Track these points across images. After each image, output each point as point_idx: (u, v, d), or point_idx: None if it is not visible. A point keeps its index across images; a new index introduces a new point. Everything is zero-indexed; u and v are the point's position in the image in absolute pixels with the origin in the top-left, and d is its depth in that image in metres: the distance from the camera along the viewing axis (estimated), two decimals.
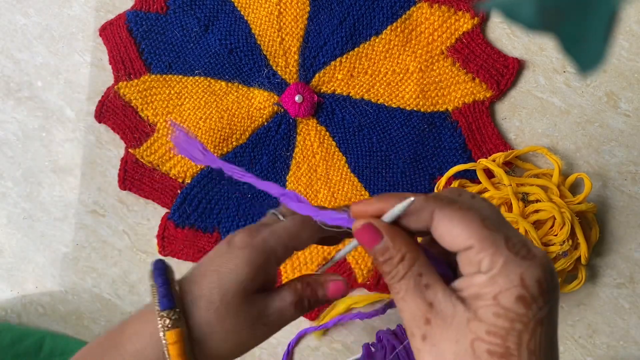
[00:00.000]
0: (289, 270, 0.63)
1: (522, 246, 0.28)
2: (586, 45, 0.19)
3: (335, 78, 0.65)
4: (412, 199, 0.30)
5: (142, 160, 0.66)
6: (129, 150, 0.66)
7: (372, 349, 0.59)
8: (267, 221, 0.38)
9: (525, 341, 0.26)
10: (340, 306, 0.63)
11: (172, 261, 0.65)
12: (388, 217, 0.31)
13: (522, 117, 0.64)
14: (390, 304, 0.53)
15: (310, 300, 0.37)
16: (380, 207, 0.31)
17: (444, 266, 0.30)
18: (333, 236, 0.38)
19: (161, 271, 0.36)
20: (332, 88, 0.65)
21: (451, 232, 0.29)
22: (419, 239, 0.32)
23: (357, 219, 0.32)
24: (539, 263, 0.27)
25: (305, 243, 0.37)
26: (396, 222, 0.31)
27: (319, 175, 0.65)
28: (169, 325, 0.33)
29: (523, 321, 0.26)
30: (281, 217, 0.38)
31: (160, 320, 0.33)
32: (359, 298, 0.63)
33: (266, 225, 0.37)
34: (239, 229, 0.37)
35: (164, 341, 0.33)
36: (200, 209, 0.65)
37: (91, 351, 0.36)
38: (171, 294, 0.34)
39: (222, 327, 0.34)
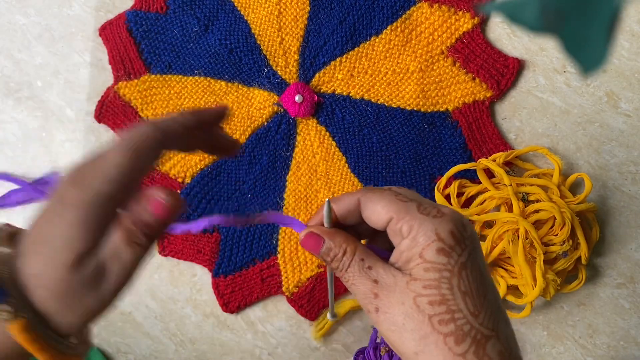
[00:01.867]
0: (289, 271, 0.63)
1: (432, 208, 0.32)
2: (588, 46, 0.19)
3: (335, 78, 0.65)
4: (327, 199, 0.34)
5: None
6: None
7: None
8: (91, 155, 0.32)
9: (456, 285, 0.30)
10: (340, 310, 0.63)
11: (172, 261, 0.65)
12: (325, 221, 0.35)
13: (522, 117, 0.64)
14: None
15: (145, 231, 0.31)
16: (321, 215, 0.35)
17: (382, 250, 0.34)
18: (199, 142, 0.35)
19: None
20: (332, 88, 0.65)
21: (374, 211, 0.33)
22: (363, 241, 0.36)
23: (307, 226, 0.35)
24: (449, 219, 0.31)
25: (143, 173, 0.32)
26: (338, 224, 0.35)
27: (319, 175, 0.65)
28: (9, 318, 0.30)
29: (448, 269, 0.30)
30: None
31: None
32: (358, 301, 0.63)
33: (92, 163, 0.31)
34: (66, 174, 0.31)
35: (10, 334, 0.30)
36: (200, 209, 0.65)
37: None
38: (1, 283, 0.30)
39: (63, 302, 0.31)
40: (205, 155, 0.65)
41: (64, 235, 0.30)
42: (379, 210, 0.33)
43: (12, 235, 0.35)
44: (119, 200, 0.31)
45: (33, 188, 0.34)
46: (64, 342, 0.32)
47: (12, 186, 0.36)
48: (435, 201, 0.61)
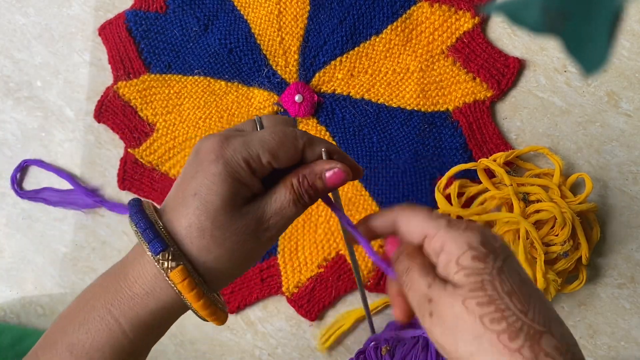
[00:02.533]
0: (289, 271, 0.63)
1: (461, 223, 0.33)
2: (589, 46, 0.19)
3: (336, 78, 0.65)
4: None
5: (141, 160, 0.66)
6: (128, 150, 0.66)
7: None
8: (244, 127, 0.37)
9: (499, 286, 0.31)
10: (346, 321, 0.63)
11: None
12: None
13: (523, 116, 0.63)
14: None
15: (310, 194, 0.36)
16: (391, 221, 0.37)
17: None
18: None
19: (140, 213, 0.34)
20: (332, 88, 0.65)
21: (408, 229, 0.35)
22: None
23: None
24: (477, 231, 0.32)
25: (283, 161, 0.35)
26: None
27: None
28: (170, 267, 0.33)
29: (487, 272, 0.31)
30: (259, 127, 0.37)
31: (158, 265, 0.33)
32: (363, 310, 0.63)
33: (240, 133, 0.35)
34: (210, 135, 0.35)
35: (170, 283, 0.33)
36: None
37: (96, 295, 0.35)
38: (159, 235, 0.33)
39: (223, 248, 0.34)
40: None
41: (210, 187, 0.33)
42: (412, 229, 0.34)
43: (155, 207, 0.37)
44: (255, 170, 0.34)
45: (85, 193, 0.36)
46: (216, 295, 0.35)
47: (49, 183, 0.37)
48: (435, 201, 0.61)
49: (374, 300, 0.63)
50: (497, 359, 0.30)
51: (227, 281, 0.36)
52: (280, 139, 0.34)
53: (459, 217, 0.36)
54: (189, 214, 0.33)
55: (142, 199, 0.36)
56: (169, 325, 0.36)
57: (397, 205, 0.36)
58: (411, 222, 0.35)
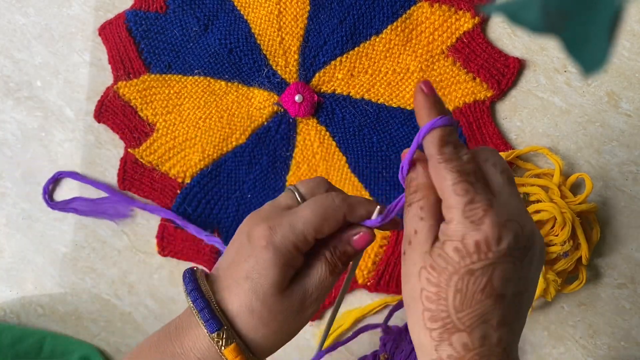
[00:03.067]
0: None
1: (476, 212, 0.33)
2: (589, 46, 0.19)
3: (336, 78, 0.65)
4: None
5: (141, 160, 0.66)
6: (129, 150, 0.66)
7: None
8: (284, 202, 0.40)
9: (455, 281, 0.33)
10: (345, 321, 0.63)
11: (172, 262, 0.65)
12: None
13: (522, 116, 0.63)
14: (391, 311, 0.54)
15: (343, 260, 0.39)
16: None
17: None
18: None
19: (197, 290, 0.38)
20: (332, 88, 0.65)
21: (435, 182, 0.35)
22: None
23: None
24: (483, 230, 0.33)
25: (327, 233, 0.38)
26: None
27: (319, 174, 0.64)
28: (224, 344, 0.37)
29: (454, 266, 0.33)
30: (299, 199, 0.40)
31: (213, 342, 0.37)
32: (364, 310, 0.63)
33: (284, 213, 0.38)
34: (256, 218, 0.38)
35: (224, 358, 0.37)
36: (199, 209, 0.65)
37: (154, 358, 0.39)
38: (215, 316, 0.37)
39: (269, 328, 0.38)
40: (205, 155, 0.65)
41: (261, 272, 0.37)
42: (437, 186, 0.35)
43: (206, 274, 0.41)
44: (302, 250, 0.38)
45: (119, 200, 0.40)
46: None
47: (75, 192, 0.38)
48: None
49: (374, 299, 0.63)
50: (417, 329, 0.34)
51: (271, 353, 0.40)
52: (323, 214, 0.38)
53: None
54: (241, 295, 0.37)
55: (195, 267, 0.40)
56: None
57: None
58: (437, 181, 0.35)
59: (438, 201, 0.35)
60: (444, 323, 0.33)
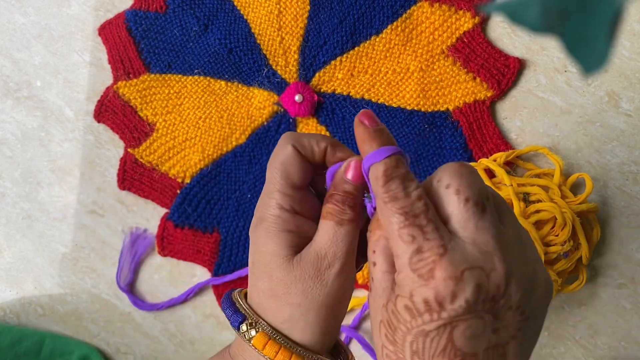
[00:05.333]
0: None
1: (425, 263, 0.28)
2: (590, 46, 0.19)
3: (336, 77, 0.65)
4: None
5: (141, 160, 0.66)
6: (128, 150, 0.66)
7: None
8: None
9: (408, 342, 0.29)
10: None
11: (171, 262, 0.65)
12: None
13: (523, 116, 0.63)
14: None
15: (349, 204, 0.33)
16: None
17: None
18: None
19: (228, 299, 0.36)
20: (332, 87, 0.65)
21: (383, 225, 0.30)
22: None
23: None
24: (433, 286, 0.27)
25: (297, 177, 0.34)
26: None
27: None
28: (251, 337, 0.34)
29: (407, 326, 0.28)
30: None
31: (244, 339, 0.34)
32: (361, 300, 0.63)
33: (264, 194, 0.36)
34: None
35: (257, 352, 0.34)
36: (199, 209, 0.65)
37: None
38: (237, 309, 0.35)
39: (292, 305, 0.33)
40: (205, 155, 0.65)
41: (259, 250, 0.34)
42: (386, 229, 0.30)
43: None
44: (285, 200, 0.34)
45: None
46: (301, 348, 0.34)
47: None
48: None
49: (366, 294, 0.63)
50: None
51: (324, 336, 0.34)
52: (282, 161, 0.34)
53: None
54: (253, 282, 0.35)
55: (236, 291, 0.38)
56: None
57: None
58: (386, 225, 0.30)
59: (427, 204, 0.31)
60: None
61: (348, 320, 0.63)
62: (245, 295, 0.37)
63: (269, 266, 0.33)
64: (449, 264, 0.28)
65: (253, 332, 0.34)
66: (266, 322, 0.34)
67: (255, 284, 0.35)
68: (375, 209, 0.32)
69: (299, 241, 0.34)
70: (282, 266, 0.33)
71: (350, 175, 0.33)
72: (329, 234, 0.33)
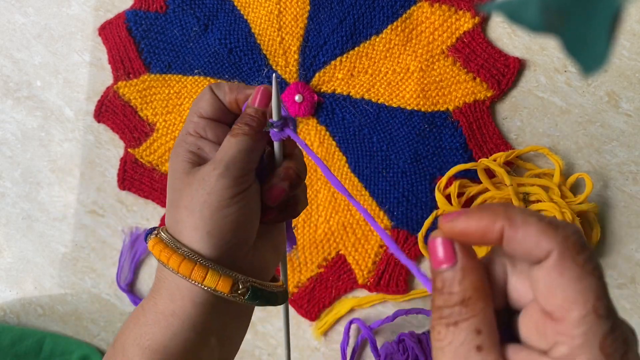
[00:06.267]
0: (288, 272, 0.63)
1: (618, 348, 0.21)
2: (589, 45, 0.19)
3: (336, 77, 0.65)
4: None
5: (141, 160, 0.66)
6: (128, 150, 0.66)
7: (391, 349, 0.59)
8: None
9: None
10: (342, 308, 0.63)
11: None
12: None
13: (523, 116, 0.63)
14: (398, 313, 0.52)
15: (247, 121, 0.36)
16: (470, 226, 0.24)
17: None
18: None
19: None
20: (332, 87, 0.65)
21: (549, 290, 0.22)
22: None
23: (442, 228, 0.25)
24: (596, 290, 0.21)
25: (206, 108, 0.37)
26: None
27: (319, 175, 0.64)
28: (153, 244, 0.35)
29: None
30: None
31: (147, 243, 0.36)
32: (361, 300, 0.63)
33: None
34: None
35: (154, 254, 0.35)
36: None
37: (130, 326, 0.36)
38: (153, 228, 0.36)
39: (194, 214, 0.34)
40: None
41: (171, 167, 0.36)
42: (566, 297, 0.22)
43: None
44: (193, 126, 0.36)
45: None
46: (187, 249, 0.34)
47: None
48: (435, 201, 0.61)
49: (366, 294, 0.63)
50: None
51: (211, 237, 0.34)
52: (199, 97, 0.37)
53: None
54: (166, 202, 0.37)
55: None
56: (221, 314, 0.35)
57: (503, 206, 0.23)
58: (564, 289, 0.22)
59: (495, 318, 0.24)
60: None
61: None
62: None
63: (171, 180, 0.36)
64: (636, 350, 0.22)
65: (151, 238, 0.35)
66: (165, 230, 0.35)
67: (166, 199, 0.37)
68: (287, 138, 0.35)
69: (199, 160, 0.36)
70: (179, 177, 0.35)
71: (255, 102, 0.36)
72: (223, 143, 0.35)
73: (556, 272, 0.21)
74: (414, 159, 0.63)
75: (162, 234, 0.35)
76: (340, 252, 0.63)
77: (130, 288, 0.65)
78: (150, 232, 0.36)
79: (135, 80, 0.66)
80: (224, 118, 0.37)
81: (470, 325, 0.23)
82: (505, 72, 0.63)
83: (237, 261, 0.35)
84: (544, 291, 0.22)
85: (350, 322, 0.62)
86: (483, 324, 0.23)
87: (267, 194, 0.36)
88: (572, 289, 0.21)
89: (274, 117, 0.36)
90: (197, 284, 0.33)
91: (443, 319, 0.23)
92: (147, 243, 0.36)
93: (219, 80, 0.66)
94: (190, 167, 0.35)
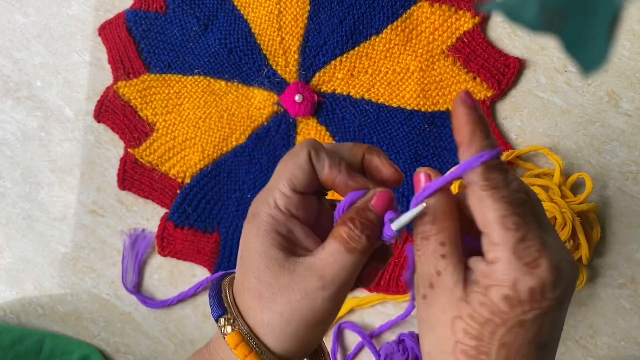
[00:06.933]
0: None
1: (530, 252, 0.28)
2: (589, 45, 0.19)
3: (336, 77, 0.65)
4: (423, 205, 0.31)
5: (141, 160, 0.66)
6: (128, 150, 0.66)
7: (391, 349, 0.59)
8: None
9: (499, 334, 0.28)
10: (342, 308, 0.63)
11: (171, 262, 0.65)
12: (403, 219, 0.32)
13: (523, 116, 0.63)
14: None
15: (364, 231, 0.32)
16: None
17: (476, 241, 0.31)
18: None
19: (215, 286, 0.36)
20: (332, 87, 0.65)
21: (476, 213, 0.30)
22: None
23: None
24: (538, 275, 0.28)
25: (305, 181, 0.33)
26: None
27: None
28: (227, 332, 0.33)
29: (502, 317, 0.28)
30: None
31: (221, 332, 0.34)
32: (361, 300, 0.63)
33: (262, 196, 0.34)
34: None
35: (229, 347, 0.33)
36: (199, 209, 0.65)
37: None
38: (221, 301, 0.34)
39: (274, 311, 0.32)
40: (205, 155, 0.65)
41: (248, 246, 0.33)
42: (478, 217, 0.29)
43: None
44: (285, 201, 0.33)
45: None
46: (273, 356, 0.33)
47: None
48: None
49: (366, 294, 0.63)
50: None
51: (300, 347, 0.34)
52: (293, 163, 0.33)
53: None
54: (240, 276, 0.34)
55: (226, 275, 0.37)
56: None
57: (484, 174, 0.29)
58: (479, 211, 0.29)
59: (459, 234, 0.31)
60: None
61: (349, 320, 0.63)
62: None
63: (257, 266, 0.33)
64: (552, 254, 0.28)
65: (229, 329, 0.33)
66: (245, 321, 0.34)
67: (242, 280, 0.34)
68: (398, 233, 0.32)
69: (289, 245, 0.33)
70: (271, 269, 0.32)
71: (375, 203, 0.33)
72: (334, 257, 0.32)
73: (475, 200, 0.29)
74: (414, 159, 0.63)
75: (242, 327, 0.33)
76: None
77: (136, 289, 0.65)
78: (220, 313, 0.34)
79: (135, 80, 0.66)
80: (314, 190, 0.34)
81: (437, 239, 0.30)
82: (505, 72, 0.63)
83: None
84: (475, 215, 0.30)
85: (339, 327, 0.62)
86: (447, 239, 0.30)
87: (366, 279, 0.35)
88: (488, 213, 0.29)
89: (394, 228, 0.32)
90: None
91: (419, 234, 0.31)
92: (218, 326, 0.34)
93: (217, 81, 0.66)
94: (282, 255, 0.32)
